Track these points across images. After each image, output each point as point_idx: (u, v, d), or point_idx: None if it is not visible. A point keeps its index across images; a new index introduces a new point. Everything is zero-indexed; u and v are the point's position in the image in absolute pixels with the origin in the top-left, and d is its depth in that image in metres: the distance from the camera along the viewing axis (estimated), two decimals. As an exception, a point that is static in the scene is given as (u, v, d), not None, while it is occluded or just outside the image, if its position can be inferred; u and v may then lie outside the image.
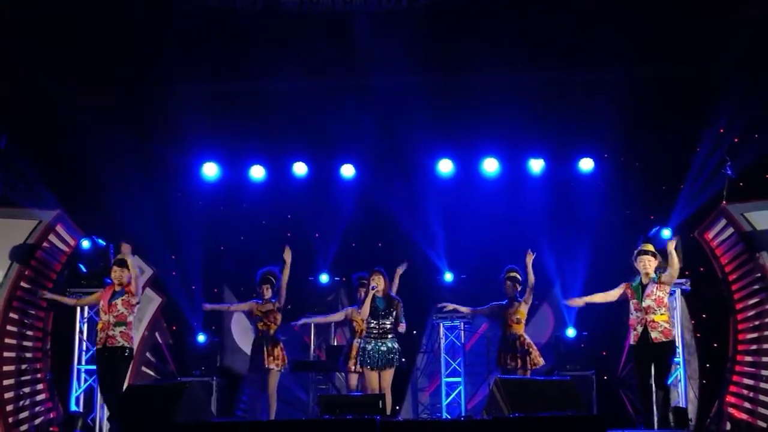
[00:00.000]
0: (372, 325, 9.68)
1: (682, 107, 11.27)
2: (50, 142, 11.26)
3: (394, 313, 9.71)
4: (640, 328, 9.21)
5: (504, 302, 10.38)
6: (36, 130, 11.23)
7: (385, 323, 9.66)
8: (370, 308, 9.64)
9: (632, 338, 9.31)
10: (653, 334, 9.15)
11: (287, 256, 10.15)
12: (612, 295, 9.55)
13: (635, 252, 9.49)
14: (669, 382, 10.50)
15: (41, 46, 10.89)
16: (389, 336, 9.66)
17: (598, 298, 9.65)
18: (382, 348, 9.61)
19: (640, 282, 9.32)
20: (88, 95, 11.26)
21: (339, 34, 11.31)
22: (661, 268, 9.50)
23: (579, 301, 9.77)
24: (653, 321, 9.18)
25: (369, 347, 9.63)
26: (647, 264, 9.31)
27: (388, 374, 9.67)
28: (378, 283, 9.69)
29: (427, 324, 12.19)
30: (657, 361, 9.24)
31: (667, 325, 9.23)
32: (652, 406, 9.30)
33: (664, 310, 9.25)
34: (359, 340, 10.09)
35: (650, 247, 9.46)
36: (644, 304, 9.21)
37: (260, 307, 10.27)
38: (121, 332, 9.51)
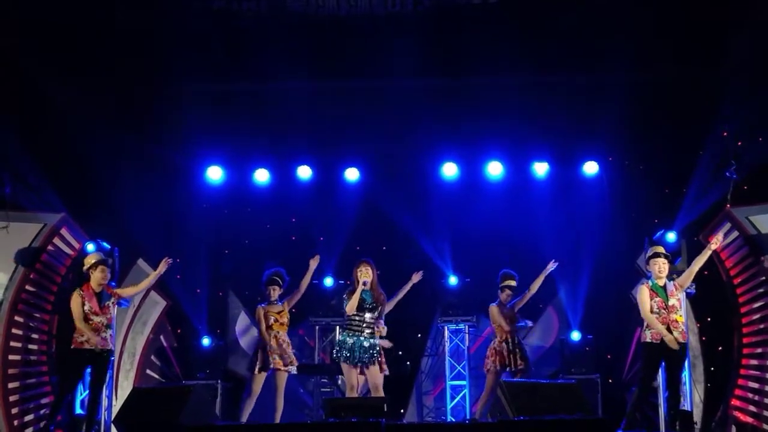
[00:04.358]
0: (355, 319, 9.28)
1: (685, 110, 11.25)
2: (55, 145, 11.26)
3: (379, 308, 9.35)
4: (661, 327, 9.14)
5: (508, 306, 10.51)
6: (40, 132, 11.23)
7: (368, 317, 9.29)
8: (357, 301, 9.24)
9: (650, 336, 9.20)
10: (675, 334, 9.12)
11: (314, 262, 10.06)
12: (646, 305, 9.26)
13: (648, 255, 9.49)
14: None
15: (45, 48, 10.90)
16: (368, 332, 9.27)
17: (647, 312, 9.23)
18: (364, 344, 9.23)
19: (657, 283, 9.30)
20: (92, 98, 11.26)
21: (344, 37, 11.32)
22: (675, 272, 9.51)
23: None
24: (675, 321, 9.16)
25: (350, 341, 9.23)
26: (662, 266, 9.30)
27: (375, 370, 9.25)
28: (368, 276, 9.29)
29: (431, 327, 12.18)
30: (674, 361, 9.22)
31: (683, 327, 9.25)
32: (664, 406, 9.30)
33: (681, 312, 9.28)
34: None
35: (663, 250, 9.45)
36: (669, 303, 9.19)
37: (268, 309, 10.27)
38: (110, 335, 9.71)
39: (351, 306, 9.28)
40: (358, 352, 9.23)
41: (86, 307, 9.62)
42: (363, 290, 9.30)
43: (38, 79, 10.93)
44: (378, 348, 9.32)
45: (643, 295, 9.26)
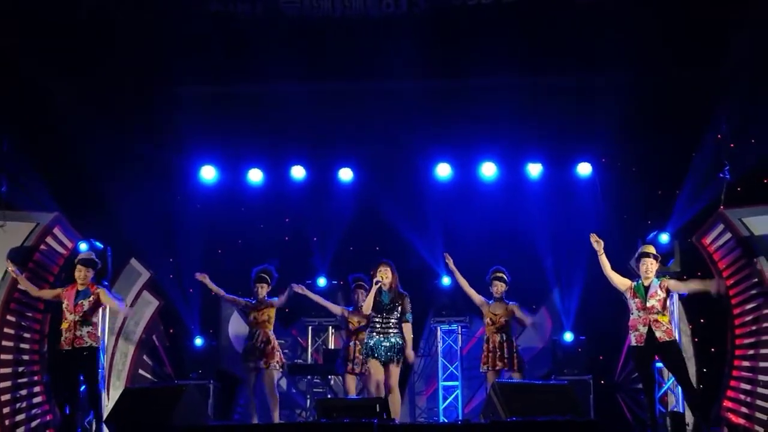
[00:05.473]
0: (376, 320, 9.24)
1: (679, 112, 11.24)
2: (49, 145, 11.26)
3: (400, 308, 9.28)
4: (643, 329, 9.08)
5: (490, 302, 10.41)
6: (34, 132, 11.22)
7: (389, 318, 9.24)
8: (374, 302, 9.22)
9: (634, 339, 9.16)
10: (657, 334, 9.05)
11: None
12: (618, 278, 9.36)
13: (637, 254, 9.48)
14: (667, 386, 10.54)
15: (43, 48, 10.89)
16: (393, 331, 9.23)
17: (609, 270, 9.34)
18: (385, 343, 9.18)
19: (642, 283, 9.27)
20: (88, 98, 11.26)
21: (339, 39, 11.32)
22: (668, 273, 9.50)
23: (599, 247, 9.29)
24: (657, 321, 9.06)
25: (372, 342, 9.20)
26: (649, 266, 9.24)
27: (394, 370, 9.23)
28: (384, 276, 9.24)
29: (424, 328, 12.17)
30: (669, 361, 9.23)
31: (669, 326, 9.17)
32: (656, 407, 9.29)
33: (666, 312, 9.18)
34: (356, 341, 10.00)
35: (652, 250, 9.39)
36: (648, 304, 9.12)
37: (254, 307, 10.26)
38: (88, 332, 9.48)
39: (367, 306, 9.24)
40: (381, 350, 9.19)
41: (64, 305, 9.58)
42: (382, 292, 9.26)
43: (34, 78, 10.92)
44: (402, 346, 9.23)
45: (623, 279, 9.32)
